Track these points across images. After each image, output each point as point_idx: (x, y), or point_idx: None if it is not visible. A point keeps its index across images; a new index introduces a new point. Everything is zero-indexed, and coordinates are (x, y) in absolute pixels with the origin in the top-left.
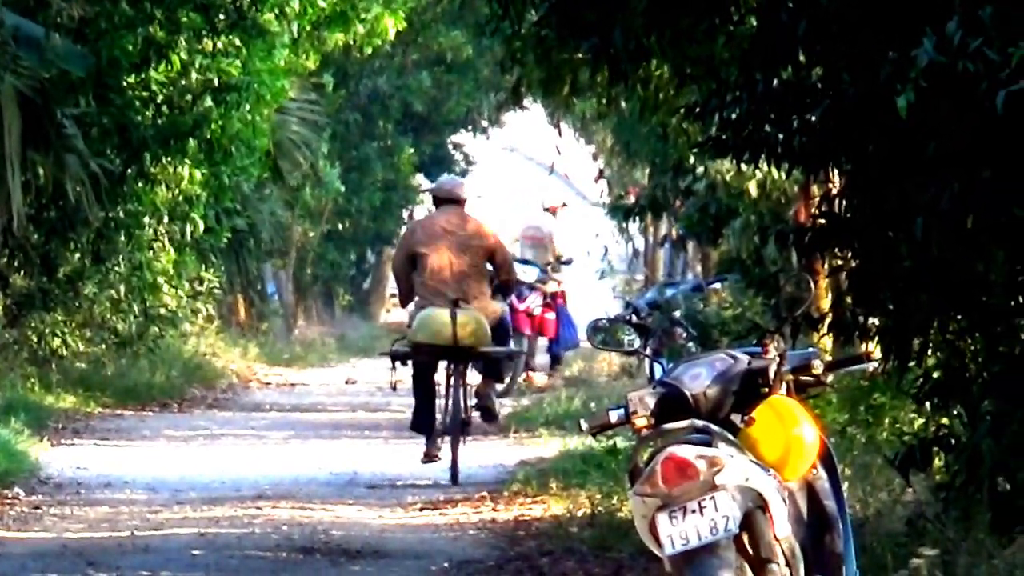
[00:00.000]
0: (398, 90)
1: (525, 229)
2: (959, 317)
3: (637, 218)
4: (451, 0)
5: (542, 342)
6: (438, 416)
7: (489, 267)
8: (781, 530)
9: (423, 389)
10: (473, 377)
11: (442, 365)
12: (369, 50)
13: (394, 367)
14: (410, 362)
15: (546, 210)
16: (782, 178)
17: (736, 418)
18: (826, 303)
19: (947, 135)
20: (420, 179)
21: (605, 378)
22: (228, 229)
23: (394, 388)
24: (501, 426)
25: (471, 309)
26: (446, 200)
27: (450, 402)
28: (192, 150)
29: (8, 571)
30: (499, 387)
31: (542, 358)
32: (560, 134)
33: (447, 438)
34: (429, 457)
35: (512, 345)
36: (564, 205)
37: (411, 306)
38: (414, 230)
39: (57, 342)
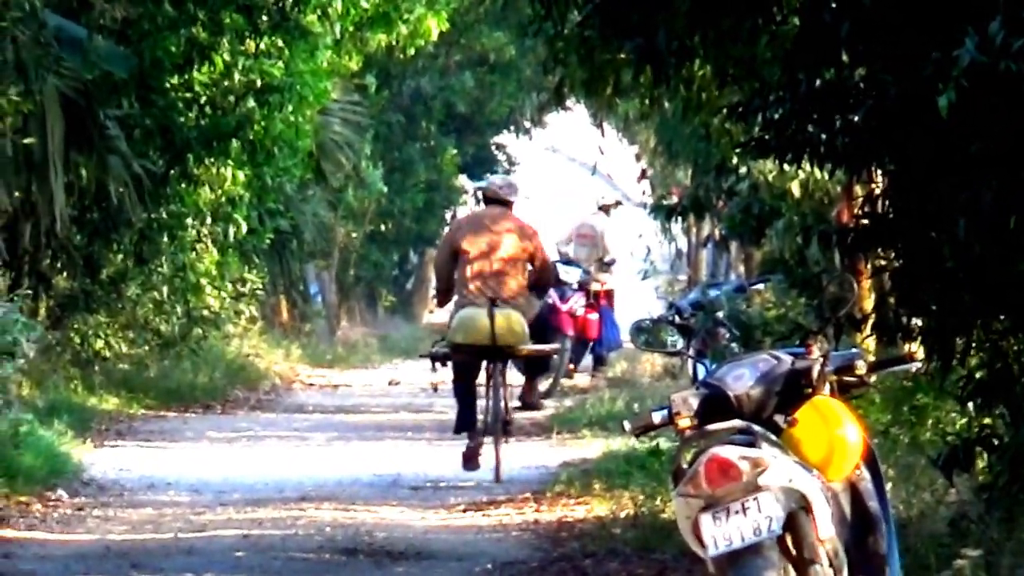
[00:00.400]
0: (441, 91)
1: (579, 227)
2: (1002, 317)
3: (680, 218)
4: (494, 1)
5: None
6: (480, 416)
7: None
8: (825, 531)
9: (464, 390)
10: (515, 377)
11: (484, 366)
12: (412, 51)
13: (434, 368)
14: (451, 363)
15: (601, 208)
16: (825, 178)
17: (779, 419)
18: (869, 304)
19: (989, 135)
20: (463, 180)
21: (648, 379)
22: (271, 230)
23: (435, 389)
24: (540, 408)
25: (509, 308)
26: (495, 200)
27: (491, 402)
28: (235, 151)
29: (52, 573)
30: (541, 387)
31: (585, 359)
32: (603, 134)
33: (489, 438)
34: (468, 460)
35: (555, 344)
36: (619, 204)
37: (450, 306)
38: (459, 227)
39: (100, 343)
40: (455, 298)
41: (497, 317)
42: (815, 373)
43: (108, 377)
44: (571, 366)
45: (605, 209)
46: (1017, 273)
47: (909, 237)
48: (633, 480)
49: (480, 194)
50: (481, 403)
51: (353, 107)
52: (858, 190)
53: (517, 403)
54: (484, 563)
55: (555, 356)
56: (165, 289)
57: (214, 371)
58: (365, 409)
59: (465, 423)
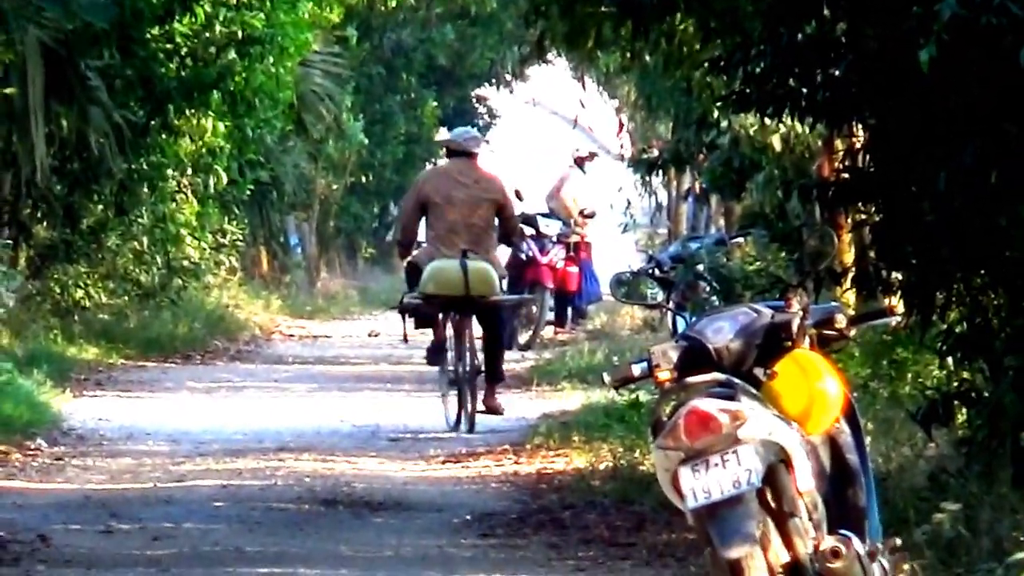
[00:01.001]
0: (421, 43)
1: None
2: (982, 272)
3: (660, 172)
4: None
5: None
6: (450, 368)
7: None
8: (804, 484)
9: (436, 331)
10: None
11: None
12: (393, 3)
13: (404, 319)
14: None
15: (575, 160)
16: (806, 132)
17: (759, 372)
18: (849, 257)
19: (970, 90)
20: (443, 132)
21: (628, 332)
22: (251, 181)
23: (406, 340)
24: (501, 412)
25: (480, 259)
26: (459, 152)
27: (461, 352)
28: (216, 102)
29: (31, 522)
30: (521, 337)
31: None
32: (584, 88)
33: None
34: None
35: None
36: (594, 156)
37: (415, 256)
38: (428, 179)
39: (80, 293)
40: (425, 249)
41: (470, 267)
42: (795, 326)
43: (88, 327)
44: (556, 323)
45: (579, 162)
46: (997, 227)
47: (889, 191)
48: (612, 432)
49: (444, 149)
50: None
51: (334, 59)
52: (839, 144)
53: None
54: (463, 514)
55: (533, 308)
56: (145, 240)
57: (194, 322)
58: (345, 360)
59: (434, 357)
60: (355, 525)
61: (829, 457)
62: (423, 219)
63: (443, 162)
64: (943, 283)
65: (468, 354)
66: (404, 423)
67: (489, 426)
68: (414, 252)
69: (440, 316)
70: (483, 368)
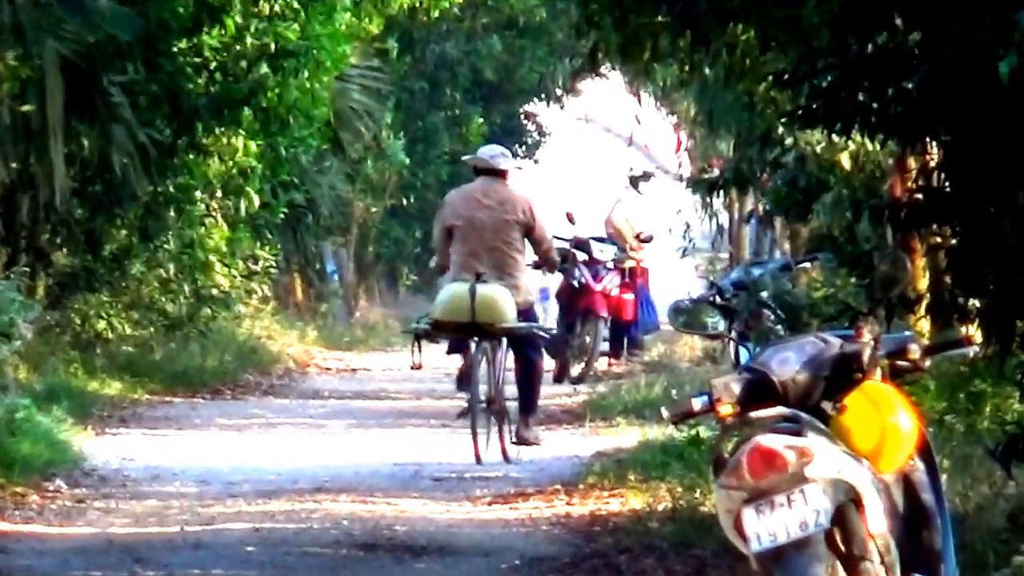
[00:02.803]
0: (467, 56)
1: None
2: None
3: (721, 193)
4: None
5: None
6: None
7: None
8: (875, 525)
9: (461, 357)
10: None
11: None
12: (436, 13)
13: (418, 345)
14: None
15: (631, 181)
16: (876, 150)
17: (827, 406)
18: (923, 283)
19: None
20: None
21: (687, 363)
22: (285, 204)
23: (418, 368)
24: (538, 443)
25: (493, 283)
26: (485, 171)
27: (472, 382)
28: (247, 120)
29: (49, 568)
30: (574, 370)
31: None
32: (639, 103)
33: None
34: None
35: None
36: (649, 176)
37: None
38: (450, 202)
39: (102, 324)
40: (448, 274)
41: (479, 292)
42: (866, 357)
43: (111, 360)
44: (610, 354)
45: (635, 182)
46: None
47: (966, 212)
48: (671, 471)
49: (472, 168)
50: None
51: (373, 73)
52: (912, 162)
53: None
54: (511, 559)
55: (587, 338)
56: (171, 267)
57: (224, 354)
58: (385, 395)
59: (463, 384)
60: (396, 571)
61: (902, 496)
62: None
63: (470, 183)
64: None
65: (489, 383)
66: (448, 461)
67: (539, 464)
68: None
69: (469, 343)
70: (503, 407)
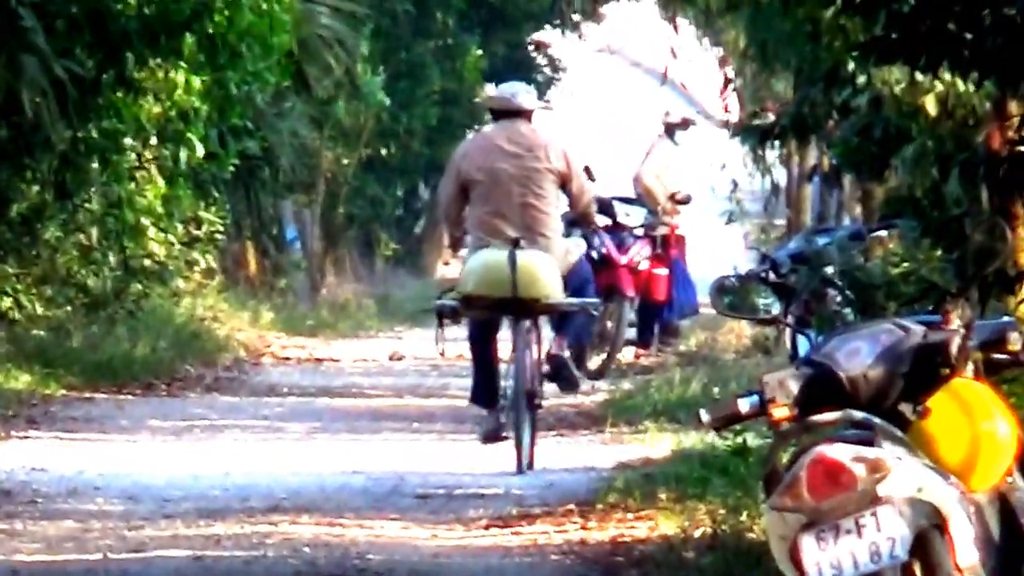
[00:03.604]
0: None
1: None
2: None
3: (777, 143)
4: None
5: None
6: (502, 384)
7: (563, 196)
8: (965, 557)
9: (482, 352)
10: (546, 335)
11: (505, 322)
12: None
13: (442, 326)
14: (464, 320)
15: (666, 128)
16: (970, 92)
17: (907, 408)
18: None
19: None
20: (490, 90)
21: (733, 355)
22: (235, 154)
23: (443, 355)
24: (577, 385)
25: (536, 250)
26: (505, 113)
27: (515, 368)
28: (189, 49)
29: None
30: (592, 362)
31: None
32: (676, 31)
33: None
34: (492, 436)
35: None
36: (688, 123)
37: (465, 250)
38: (466, 153)
39: (8, 302)
40: (469, 239)
41: (520, 261)
42: (954, 348)
43: (17, 347)
44: (638, 343)
45: (670, 129)
46: None
47: None
48: (711, 488)
49: (488, 111)
50: (504, 368)
51: None
52: (1013, 107)
53: (546, 368)
54: None
55: (608, 322)
56: (94, 231)
57: (158, 340)
58: (358, 392)
59: (483, 394)
60: None
61: (998, 521)
62: (467, 202)
63: (488, 128)
64: None
65: (519, 373)
66: (436, 474)
67: (548, 478)
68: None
69: (483, 338)
70: (541, 391)
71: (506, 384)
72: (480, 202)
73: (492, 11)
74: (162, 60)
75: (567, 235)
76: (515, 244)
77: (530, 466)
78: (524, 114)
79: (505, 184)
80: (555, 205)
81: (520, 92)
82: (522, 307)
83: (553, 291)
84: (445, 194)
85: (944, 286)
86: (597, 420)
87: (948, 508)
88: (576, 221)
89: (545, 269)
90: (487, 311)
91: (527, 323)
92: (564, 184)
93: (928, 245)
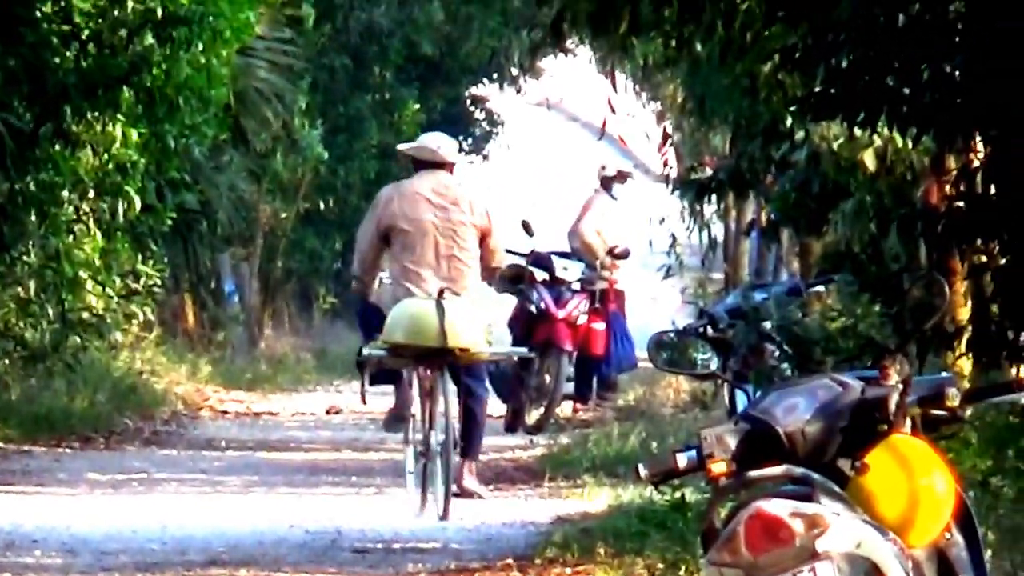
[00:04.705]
0: (400, 26)
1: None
2: None
3: (715, 198)
4: None
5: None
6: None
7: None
8: None
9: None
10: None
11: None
12: None
13: (364, 377)
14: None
15: (603, 182)
16: (907, 147)
17: (845, 464)
18: (964, 313)
19: None
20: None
21: (671, 409)
22: (173, 208)
23: (364, 402)
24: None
25: (460, 301)
26: (429, 164)
27: (440, 417)
28: (127, 102)
29: None
30: (530, 416)
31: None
32: (614, 87)
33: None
34: (398, 417)
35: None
36: (625, 176)
37: (376, 297)
38: (390, 201)
39: None
40: (388, 289)
41: (448, 311)
42: (892, 404)
43: None
44: (576, 397)
45: (607, 183)
46: None
47: (1017, 225)
48: (649, 543)
49: (410, 160)
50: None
51: (284, 46)
52: (951, 163)
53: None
54: None
55: (546, 376)
56: (32, 284)
57: (96, 393)
58: (295, 445)
59: (386, 374)
60: None
61: None
62: (385, 251)
63: (412, 178)
64: None
65: (444, 419)
66: (374, 528)
67: (486, 532)
68: (375, 291)
69: (405, 373)
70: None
71: (432, 436)
72: (404, 251)
73: (430, 65)
74: (100, 113)
75: (503, 292)
76: (440, 294)
77: (446, 514)
78: (446, 166)
79: (431, 235)
80: (476, 258)
81: (443, 144)
82: (449, 357)
83: (480, 342)
84: (364, 240)
85: (882, 341)
86: (535, 474)
87: (886, 564)
88: (486, 273)
89: (472, 320)
90: (413, 360)
91: (436, 374)
92: (483, 239)
93: (866, 300)
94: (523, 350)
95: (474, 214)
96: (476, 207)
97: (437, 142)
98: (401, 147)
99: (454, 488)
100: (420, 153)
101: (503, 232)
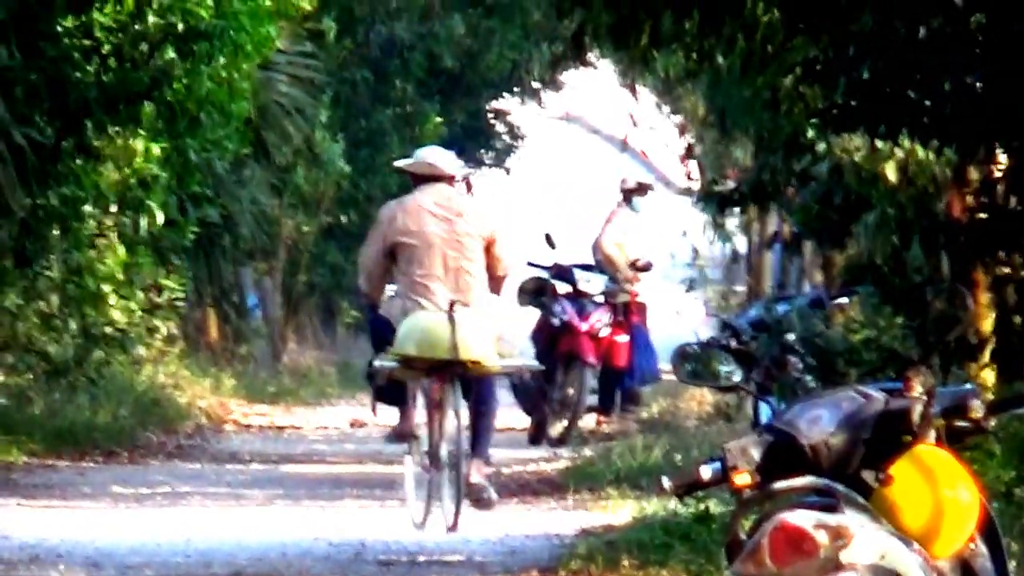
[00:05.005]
0: (421, 39)
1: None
2: None
3: (737, 210)
4: None
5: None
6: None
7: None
8: None
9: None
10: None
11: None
12: None
13: (375, 390)
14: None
15: (625, 195)
16: (930, 159)
17: (869, 475)
18: (988, 324)
19: None
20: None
21: (694, 421)
22: (196, 222)
23: (375, 412)
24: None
25: (471, 312)
26: (428, 178)
27: (451, 429)
28: (148, 117)
29: None
30: (553, 429)
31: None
32: (635, 99)
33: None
34: (401, 435)
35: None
36: (646, 188)
37: (385, 310)
38: (394, 216)
39: None
40: (397, 303)
41: (459, 323)
42: (916, 415)
43: None
44: (599, 410)
45: (629, 196)
46: None
47: None
48: (673, 555)
49: (409, 176)
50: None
51: (305, 60)
52: (973, 174)
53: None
54: None
55: (570, 389)
56: (55, 298)
57: (120, 407)
58: (319, 458)
59: (391, 394)
60: None
61: None
62: (391, 267)
63: (414, 193)
64: None
65: (456, 431)
66: (398, 541)
67: (510, 544)
68: (383, 305)
69: (410, 392)
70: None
71: (441, 447)
72: (412, 265)
73: (451, 79)
74: (121, 128)
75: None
76: (451, 307)
77: (455, 526)
78: (446, 179)
79: (437, 248)
80: (483, 269)
81: (440, 157)
82: (460, 369)
83: (491, 354)
84: (370, 257)
85: (905, 353)
86: (559, 487)
87: (911, 575)
88: (495, 286)
89: (483, 332)
90: (425, 373)
91: (455, 386)
92: (488, 248)
93: (889, 312)
94: (534, 363)
95: (478, 224)
96: (480, 217)
97: (433, 156)
98: (398, 163)
99: (464, 490)
100: (417, 168)
101: (509, 240)
